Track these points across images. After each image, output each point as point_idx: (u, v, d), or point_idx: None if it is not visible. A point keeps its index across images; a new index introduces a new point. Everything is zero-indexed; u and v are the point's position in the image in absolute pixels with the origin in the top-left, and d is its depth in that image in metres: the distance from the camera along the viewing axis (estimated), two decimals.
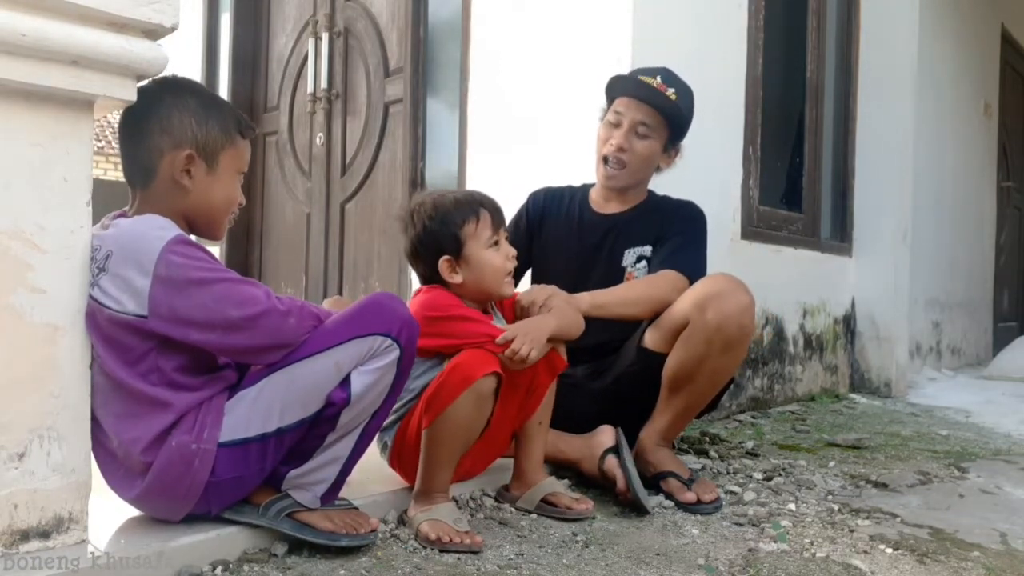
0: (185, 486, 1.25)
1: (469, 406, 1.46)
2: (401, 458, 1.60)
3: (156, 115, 1.29)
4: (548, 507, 1.63)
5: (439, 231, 1.58)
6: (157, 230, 1.23)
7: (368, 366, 1.29)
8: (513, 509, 1.65)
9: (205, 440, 1.24)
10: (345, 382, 1.28)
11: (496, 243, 1.60)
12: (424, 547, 1.40)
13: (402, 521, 1.52)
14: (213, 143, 1.33)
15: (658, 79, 1.93)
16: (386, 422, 1.59)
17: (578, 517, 1.61)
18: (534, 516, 1.62)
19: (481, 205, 1.60)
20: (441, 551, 1.39)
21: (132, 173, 1.34)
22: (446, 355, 1.53)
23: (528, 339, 1.52)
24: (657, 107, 1.91)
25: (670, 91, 1.92)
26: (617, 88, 1.99)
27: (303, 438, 1.31)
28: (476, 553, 1.39)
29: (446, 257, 1.59)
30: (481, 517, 1.61)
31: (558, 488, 1.66)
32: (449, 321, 1.55)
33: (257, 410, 1.27)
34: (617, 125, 1.96)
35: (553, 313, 1.64)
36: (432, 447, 1.49)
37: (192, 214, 1.35)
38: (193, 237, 1.33)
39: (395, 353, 1.31)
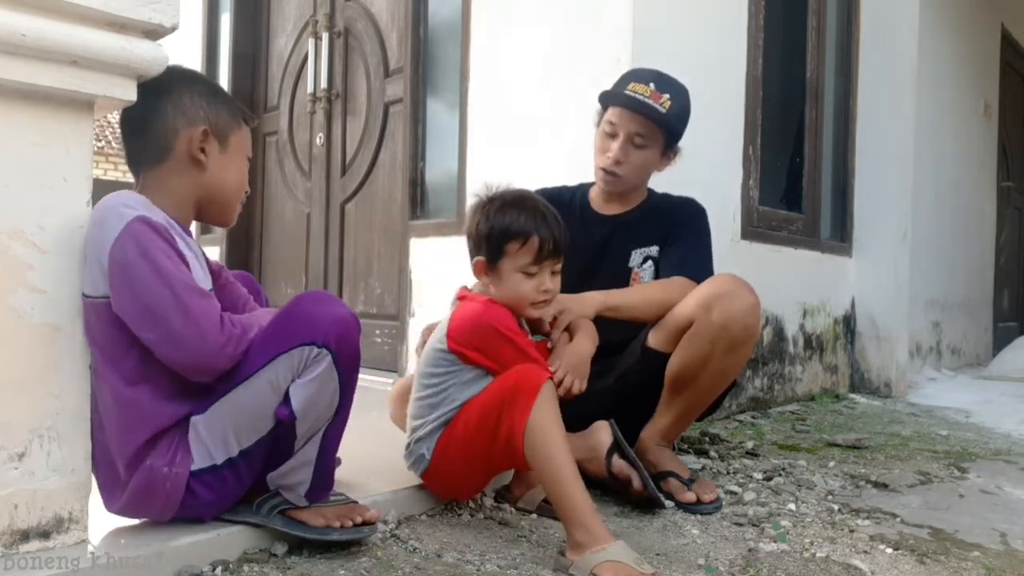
0: (158, 505, 1.27)
1: (548, 412, 1.40)
2: (438, 474, 1.55)
3: (168, 98, 1.30)
4: (549, 507, 1.62)
5: (488, 233, 1.55)
6: (123, 207, 1.20)
7: (304, 378, 1.26)
8: (513, 509, 1.65)
9: (178, 464, 1.25)
10: (287, 398, 1.26)
11: (531, 274, 1.54)
12: None
13: (401, 521, 1.52)
14: (224, 124, 1.36)
15: (651, 86, 1.91)
16: (423, 432, 1.54)
17: None
18: (534, 516, 1.62)
19: (536, 232, 1.53)
20: None
21: (142, 155, 1.33)
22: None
23: (577, 374, 1.58)
24: (652, 119, 1.90)
25: (664, 97, 1.90)
26: (612, 97, 1.96)
27: (273, 448, 1.30)
28: None
29: (480, 259, 1.56)
30: (481, 517, 1.61)
31: None
32: (508, 345, 1.50)
33: (215, 439, 1.26)
34: (613, 136, 1.94)
35: (585, 334, 1.67)
36: (549, 474, 1.38)
37: (206, 195, 1.36)
38: (193, 227, 1.32)
39: (327, 360, 1.26)
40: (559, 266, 1.58)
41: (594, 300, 1.77)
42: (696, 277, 1.85)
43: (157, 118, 1.31)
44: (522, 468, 1.62)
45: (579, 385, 1.58)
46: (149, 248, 1.18)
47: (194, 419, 1.27)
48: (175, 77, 1.31)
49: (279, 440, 1.29)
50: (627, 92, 1.92)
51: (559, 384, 1.54)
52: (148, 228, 1.19)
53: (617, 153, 1.93)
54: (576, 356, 1.61)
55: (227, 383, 1.26)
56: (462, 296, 1.62)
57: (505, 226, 1.53)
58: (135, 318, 1.18)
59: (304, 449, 1.31)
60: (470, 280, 1.65)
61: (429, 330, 1.76)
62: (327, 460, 1.35)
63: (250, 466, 1.30)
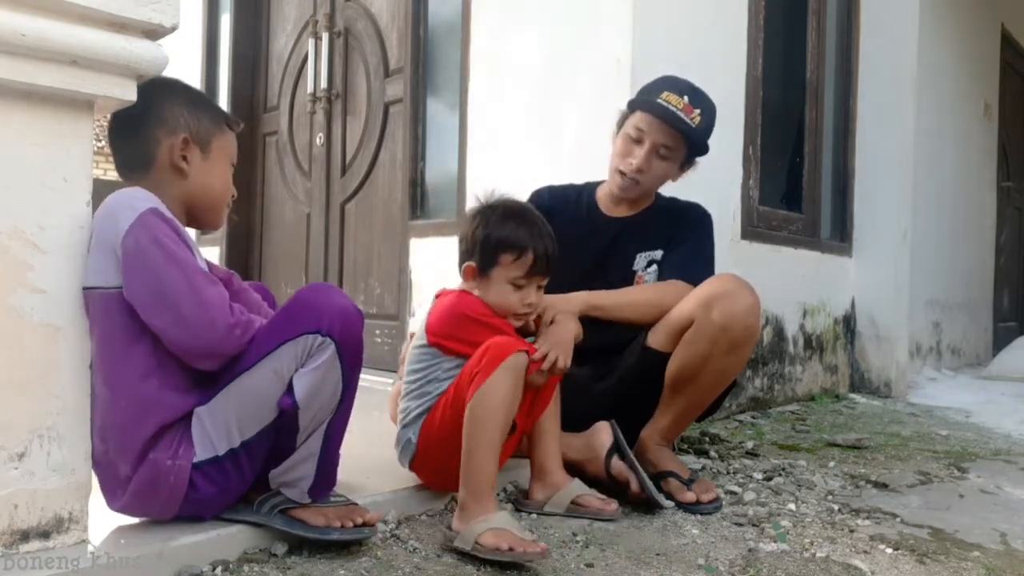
0: (162, 500, 1.27)
1: (505, 381, 1.45)
2: (427, 458, 1.57)
3: (148, 106, 1.31)
4: (579, 509, 1.63)
5: (484, 240, 1.57)
6: (135, 200, 1.23)
7: (307, 367, 1.27)
8: (514, 508, 1.65)
9: (180, 457, 1.25)
10: (290, 387, 1.27)
11: (520, 286, 1.58)
12: (489, 560, 1.34)
13: (401, 521, 1.52)
14: (205, 130, 1.38)
15: (685, 99, 1.88)
16: (410, 418, 1.58)
17: (610, 518, 1.61)
18: (535, 516, 1.62)
19: (532, 248, 1.56)
20: (511, 561, 1.33)
21: (127, 166, 1.36)
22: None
23: (560, 350, 1.60)
24: (681, 131, 1.88)
25: (695, 112, 1.88)
26: (643, 103, 1.92)
27: (275, 442, 1.31)
28: (544, 559, 1.34)
29: (471, 264, 1.59)
30: None
31: (585, 490, 1.66)
32: (482, 327, 1.54)
33: (218, 429, 1.27)
34: (638, 141, 1.92)
35: (568, 318, 1.69)
36: (472, 432, 1.44)
37: (191, 201, 1.38)
38: (192, 230, 1.33)
39: (330, 348, 1.28)
40: (545, 282, 1.63)
41: (578, 299, 1.79)
42: (693, 281, 1.85)
43: (138, 130, 1.33)
44: (511, 448, 1.63)
45: (563, 360, 1.59)
46: (161, 236, 1.21)
47: (198, 409, 1.28)
48: (155, 87, 1.32)
49: (281, 433, 1.30)
50: (660, 101, 1.88)
51: (543, 358, 1.56)
52: (160, 219, 1.23)
53: (641, 162, 1.92)
54: (559, 335, 1.64)
55: (231, 372, 1.27)
56: (439, 295, 1.65)
57: (503, 236, 1.57)
58: (146, 303, 1.20)
59: (307, 443, 1.32)
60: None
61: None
62: (331, 454, 1.36)
63: (252, 459, 1.30)
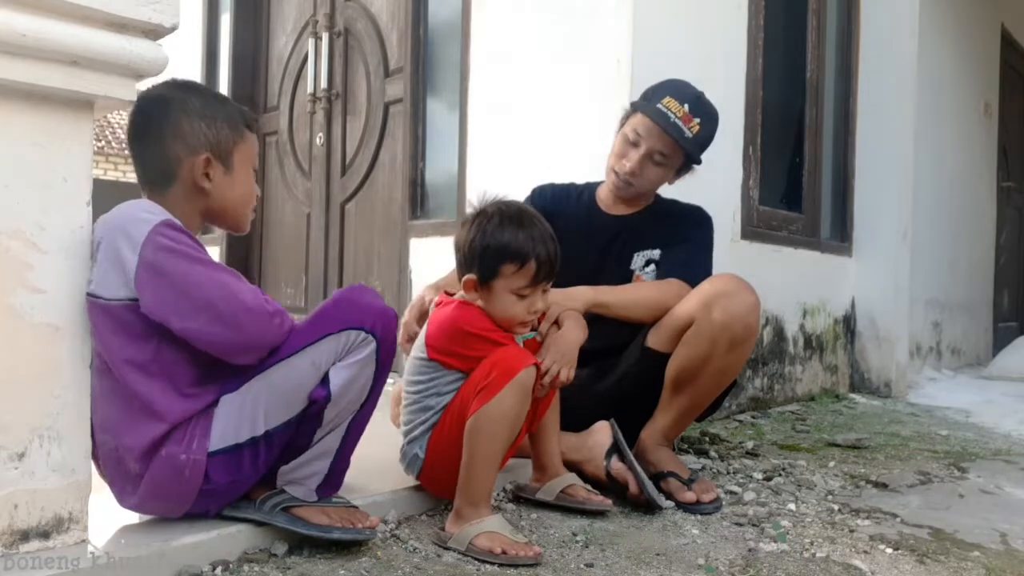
0: (177, 494, 1.27)
1: (513, 397, 1.43)
2: (434, 473, 1.55)
3: (167, 121, 1.30)
4: (567, 497, 1.64)
5: (484, 251, 1.49)
6: (145, 213, 1.22)
7: (345, 361, 1.29)
8: (514, 506, 1.66)
9: (195, 450, 1.25)
10: (325, 379, 1.29)
11: (524, 296, 1.51)
12: (484, 561, 1.35)
13: (401, 521, 1.52)
14: (226, 143, 1.35)
15: (686, 107, 1.87)
16: (416, 433, 1.56)
17: (596, 508, 1.62)
18: (535, 516, 1.62)
19: (535, 256, 1.48)
20: (504, 565, 1.34)
21: (148, 177, 1.34)
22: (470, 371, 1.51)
23: (564, 362, 1.57)
24: (677, 140, 1.88)
25: (694, 121, 1.87)
26: (643, 107, 1.92)
27: (293, 436, 1.32)
28: (536, 564, 1.35)
29: (472, 277, 1.51)
30: None
31: (576, 481, 1.68)
32: (483, 342, 1.50)
33: (243, 416, 1.28)
34: (634, 144, 1.92)
35: (574, 324, 1.67)
36: (475, 446, 1.43)
37: (213, 213, 1.38)
38: (203, 233, 1.33)
39: (371, 346, 1.31)
40: (550, 284, 1.57)
41: (583, 295, 1.78)
42: (691, 281, 1.85)
43: (158, 147, 1.31)
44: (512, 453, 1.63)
45: (566, 374, 1.57)
46: (180, 246, 1.21)
47: (225, 397, 1.28)
48: (171, 95, 1.31)
49: (301, 427, 1.31)
50: (660, 107, 1.88)
51: (546, 373, 1.54)
52: (174, 230, 1.22)
53: (634, 165, 1.92)
54: (564, 344, 1.61)
55: (263, 364, 1.28)
56: (439, 303, 1.61)
57: (503, 245, 1.48)
58: (177, 311, 1.20)
59: (325, 440, 1.33)
60: None
61: (415, 311, 1.76)
62: (346, 453, 1.37)
63: (269, 450, 1.30)
